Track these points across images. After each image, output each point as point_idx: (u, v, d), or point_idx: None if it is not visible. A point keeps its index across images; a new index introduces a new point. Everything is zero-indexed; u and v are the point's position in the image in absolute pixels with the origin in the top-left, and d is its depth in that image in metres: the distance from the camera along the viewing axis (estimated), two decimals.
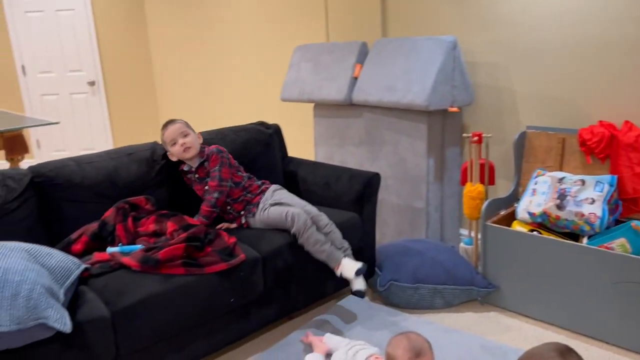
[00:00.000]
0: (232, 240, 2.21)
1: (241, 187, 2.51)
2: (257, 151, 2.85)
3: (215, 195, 2.40)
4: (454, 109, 2.90)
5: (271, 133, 2.97)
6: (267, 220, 2.42)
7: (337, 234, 2.39)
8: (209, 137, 2.74)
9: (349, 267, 2.30)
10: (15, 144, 3.63)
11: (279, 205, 2.44)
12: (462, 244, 2.98)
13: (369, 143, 3.27)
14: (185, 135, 2.45)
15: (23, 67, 5.72)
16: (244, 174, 2.58)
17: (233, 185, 2.49)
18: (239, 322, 2.22)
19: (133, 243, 2.21)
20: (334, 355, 2.02)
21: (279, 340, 2.38)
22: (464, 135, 2.91)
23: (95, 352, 1.76)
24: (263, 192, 2.54)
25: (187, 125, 2.51)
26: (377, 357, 1.91)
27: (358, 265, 2.29)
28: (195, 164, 2.50)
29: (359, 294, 2.32)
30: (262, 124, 3.02)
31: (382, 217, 3.29)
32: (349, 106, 3.32)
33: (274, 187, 2.60)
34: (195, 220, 2.33)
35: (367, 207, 2.65)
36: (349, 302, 2.66)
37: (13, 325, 1.51)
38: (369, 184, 2.63)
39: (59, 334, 1.65)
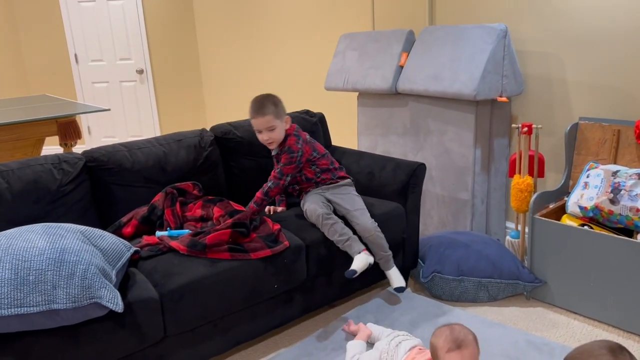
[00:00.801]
0: (277, 227, 2.23)
1: (313, 182, 2.51)
2: None
3: (270, 184, 2.41)
4: (503, 99, 2.83)
5: (315, 121, 2.98)
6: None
7: (381, 245, 2.39)
8: None
9: (355, 262, 2.30)
10: (69, 129, 3.76)
11: (311, 197, 2.43)
12: (508, 237, 2.91)
13: (414, 133, 3.23)
14: (272, 130, 2.36)
15: (76, 56, 5.91)
16: (319, 168, 2.50)
17: (304, 180, 2.50)
18: (282, 308, 2.24)
19: (180, 227, 2.26)
20: (376, 345, 2.02)
21: (321, 327, 2.40)
22: (513, 126, 2.84)
23: (144, 332, 1.82)
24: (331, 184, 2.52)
25: (276, 114, 2.37)
26: (420, 349, 1.90)
27: (356, 266, 2.27)
28: (275, 151, 2.51)
29: (399, 289, 2.44)
30: (306, 112, 3.03)
31: (426, 208, 3.25)
32: (394, 95, 3.28)
33: (343, 182, 2.53)
34: (250, 205, 2.38)
35: (412, 198, 2.63)
36: (390, 292, 2.64)
37: (69, 303, 1.58)
38: (414, 174, 2.60)
39: (111, 313, 1.71)
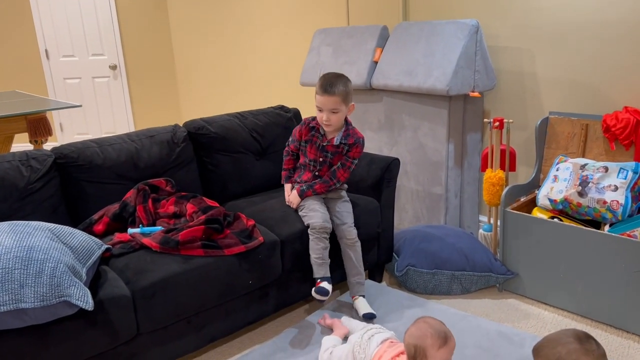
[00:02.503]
0: (251, 222, 2.22)
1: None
2: (276, 134, 2.85)
3: (337, 184, 2.39)
4: (476, 94, 2.86)
5: (290, 117, 2.97)
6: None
7: (359, 257, 2.36)
8: (229, 119, 2.75)
9: (316, 293, 2.24)
10: (39, 126, 3.68)
11: (314, 205, 2.35)
12: (481, 231, 2.95)
13: (388, 128, 3.25)
14: (335, 112, 2.25)
15: (46, 51, 5.79)
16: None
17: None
18: (257, 303, 2.24)
19: (153, 224, 2.24)
20: (349, 338, 2.03)
21: (296, 322, 2.41)
22: (485, 120, 2.88)
23: (116, 330, 1.80)
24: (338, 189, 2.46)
25: (344, 97, 2.25)
26: (392, 342, 1.91)
27: (329, 287, 2.22)
28: (332, 136, 2.37)
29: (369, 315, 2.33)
30: (281, 107, 3.02)
31: (401, 202, 3.28)
32: (369, 90, 3.30)
33: (344, 188, 2.52)
34: (308, 192, 2.36)
35: (386, 192, 2.64)
36: (366, 286, 2.66)
37: (37, 302, 1.55)
38: (389, 169, 2.62)
39: (82, 312, 1.68)
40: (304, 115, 4.14)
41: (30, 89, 5.84)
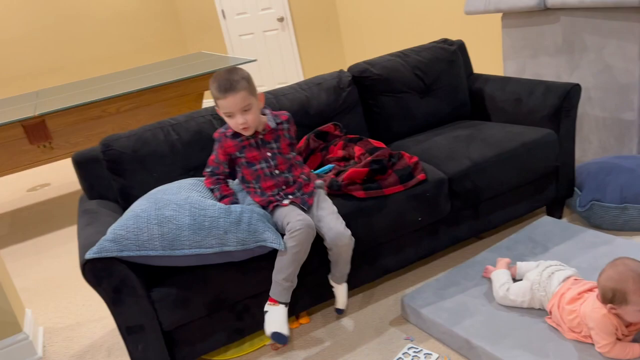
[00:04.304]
0: (414, 159, 2.24)
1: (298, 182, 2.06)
2: (440, 69, 2.78)
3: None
4: None
5: (454, 50, 2.86)
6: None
7: (348, 258, 2.02)
8: (391, 59, 2.74)
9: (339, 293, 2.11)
10: None
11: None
12: None
13: (567, 51, 2.94)
14: (246, 111, 1.88)
15: (223, 12, 6.29)
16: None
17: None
18: (428, 239, 2.29)
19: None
20: (526, 275, 1.97)
21: (468, 258, 2.41)
22: None
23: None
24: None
25: (250, 89, 1.88)
26: (576, 279, 1.83)
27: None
28: (261, 127, 2.01)
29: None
30: (444, 41, 2.92)
31: (583, 133, 2.99)
32: (543, 11, 3.00)
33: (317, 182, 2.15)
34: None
35: (565, 123, 2.44)
36: (543, 223, 2.53)
37: (238, 246, 1.80)
38: (568, 96, 2.40)
39: (273, 251, 1.90)
40: (469, 47, 3.93)
41: (212, 49, 6.45)
